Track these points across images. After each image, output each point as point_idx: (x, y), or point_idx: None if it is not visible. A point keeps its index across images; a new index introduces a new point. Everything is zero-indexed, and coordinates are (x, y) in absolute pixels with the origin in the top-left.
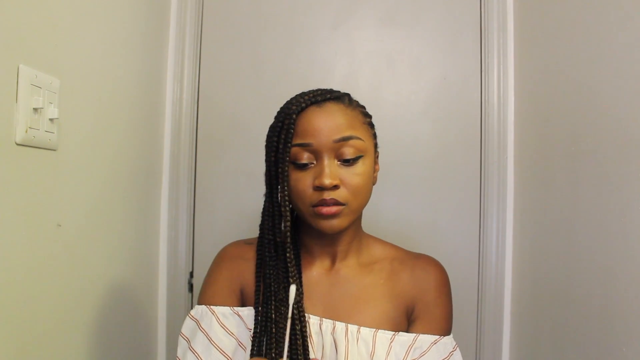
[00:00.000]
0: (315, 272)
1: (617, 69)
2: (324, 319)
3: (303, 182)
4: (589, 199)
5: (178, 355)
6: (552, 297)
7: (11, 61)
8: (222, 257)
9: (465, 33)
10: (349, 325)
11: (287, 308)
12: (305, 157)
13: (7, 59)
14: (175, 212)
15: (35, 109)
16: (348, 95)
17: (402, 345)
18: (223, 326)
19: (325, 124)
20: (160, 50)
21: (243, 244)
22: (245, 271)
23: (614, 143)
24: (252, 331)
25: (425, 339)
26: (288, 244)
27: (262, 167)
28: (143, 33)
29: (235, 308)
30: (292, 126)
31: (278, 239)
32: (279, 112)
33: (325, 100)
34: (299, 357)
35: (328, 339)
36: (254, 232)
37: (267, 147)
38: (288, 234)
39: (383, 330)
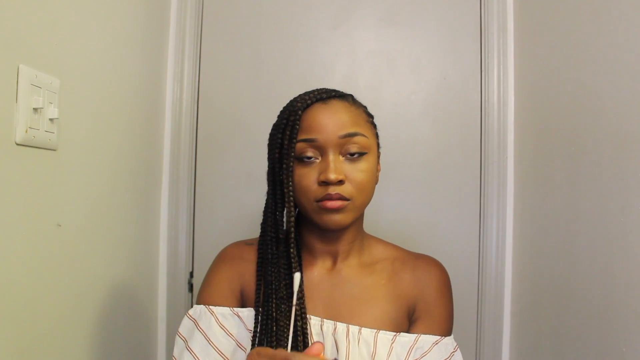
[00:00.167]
0: (316, 273)
1: (616, 69)
2: (324, 320)
3: (308, 177)
4: (589, 199)
5: (174, 354)
6: (552, 297)
7: (11, 61)
8: (222, 258)
9: (465, 33)
10: (350, 326)
11: (288, 306)
12: (310, 153)
13: (7, 59)
14: (175, 212)
15: (35, 109)
16: (351, 95)
17: (404, 346)
18: (222, 327)
19: (331, 119)
20: (160, 50)
21: (243, 244)
22: (246, 272)
23: (613, 143)
24: (252, 332)
25: (427, 339)
26: (292, 239)
27: (262, 167)
28: (143, 33)
29: (235, 309)
30: (298, 122)
31: (281, 235)
32: (282, 110)
33: (330, 97)
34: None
35: (329, 340)
36: (254, 232)
37: (270, 144)
38: (292, 229)
39: (384, 331)
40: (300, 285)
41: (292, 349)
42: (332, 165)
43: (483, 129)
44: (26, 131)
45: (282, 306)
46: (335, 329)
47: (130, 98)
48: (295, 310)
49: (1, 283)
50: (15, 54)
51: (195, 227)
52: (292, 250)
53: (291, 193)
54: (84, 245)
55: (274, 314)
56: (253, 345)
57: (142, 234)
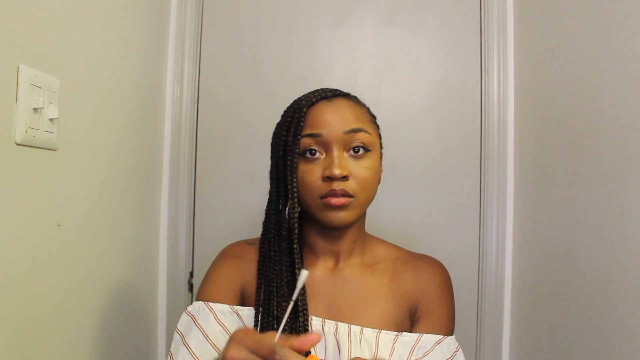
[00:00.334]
0: (318, 272)
1: (616, 69)
2: (326, 320)
3: (312, 173)
4: (589, 199)
5: (171, 350)
6: (552, 297)
7: (11, 61)
8: (223, 256)
9: (465, 33)
10: (351, 326)
11: (289, 302)
12: (314, 149)
13: (7, 59)
14: (175, 212)
15: (35, 109)
16: (355, 96)
17: (406, 346)
18: (221, 323)
19: (336, 116)
20: (160, 50)
21: (245, 244)
22: (247, 271)
23: (613, 142)
24: None
25: (429, 338)
26: (295, 235)
27: (262, 167)
28: (143, 33)
29: (234, 307)
30: (302, 119)
31: (284, 233)
32: (287, 109)
33: (335, 96)
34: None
35: (331, 340)
36: (254, 233)
37: (274, 142)
38: (295, 224)
39: (386, 331)
40: (303, 289)
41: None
42: (336, 160)
43: (483, 129)
44: (26, 131)
45: (283, 304)
46: (337, 329)
47: (130, 98)
48: (297, 307)
49: (1, 283)
50: (15, 54)
51: (195, 227)
52: (295, 246)
53: (295, 189)
54: (84, 245)
55: (275, 312)
56: None
57: (142, 234)
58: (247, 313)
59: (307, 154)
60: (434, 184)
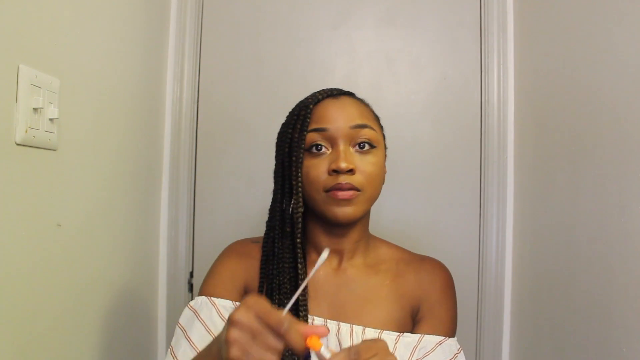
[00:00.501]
0: (322, 272)
1: (616, 69)
2: (328, 320)
3: (317, 168)
4: (589, 199)
5: (171, 344)
6: (552, 297)
7: (11, 61)
8: (227, 252)
9: (465, 33)
10: (354, 326)
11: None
12: (320, 144)
13: (7, 59)
14: (175, 212)
15: (35, 109)
16: (361, 98)
17: (407, 346)
18: (223, 318)
19: (342, 111)
20: (160, 50)
21: (250, 242)
22: (250, 269)
23: (613, 143)
24: None
25: (431, 339)
26: (298, 229)
27: (262, 167)
28: (143, 33)
29: (237, 303)
30: (309, 115)
31: (288, 229)
32: (293, 109)
33: (340, 94)
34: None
35: (333, 341)
36: (254, 232)
37: (279, 140)
38: (300, 218)
39: (388, 331)
40: (304, 294)
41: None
42: (342, 154)
43: (483, 129)
44: (26, 131)
45: (285, 301)
46: (339, 329)
47: (130, 98)
48: (298, 305)
49: (1, 283)
50: (15, 54)
51: (195, 227)
52: (298, 241)
53: (300, 183)
54: (84, 245)
55: (277, 309)
56: None
57: (142, 234)
58: None
59: (312, 149)
60: (434, 184)
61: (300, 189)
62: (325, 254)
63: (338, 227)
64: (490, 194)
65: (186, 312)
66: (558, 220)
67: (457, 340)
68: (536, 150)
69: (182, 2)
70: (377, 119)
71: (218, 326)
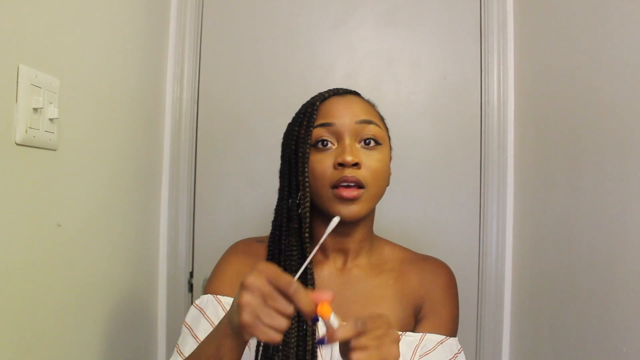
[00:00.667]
0: (326, 271)
1: (616, 69)
2: None
3: (323, 163)
4: (589, 199)
5: (178, 342)
6: (552, 297)
7: (11, 61)
8: (232, 251)
9: (465, 33)
10: None
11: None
12: (326, 139)
13: (7, 59)
14: (175, 212)
15: (35, 109)
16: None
17: (409, 346)
18: None
19: (348, 108)
20: (160, 50)
21: (254, 241)
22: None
23: (613, 142)
24: None
25: (432, 338)
26: (306, 224)
27: (262, 167)
28: (143, 33)
29: None
30: (315, 112)
31: (295, 225)
32: (300, 108)
33: (346, 93)
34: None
35: (336, 345)
36: (254, 232)
37: (285, 138)
38: (307, 213)
39: None
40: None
41: (297, 344)
42: (348, 148)
43: (483, 129)
44: (26, 131)
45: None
46: None
47: (130, 98)
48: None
49: (1, 283)
50: (15, 54)
51: (195, 227)
52: (306, 235)
53: (307, 179)
54: (84, 245)
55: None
56: (259, 342)
57: (142, 234)
58: None
59: (319, 145)
60: (434, 184)
61: (307, 184)
62: (336, 220)
63: (343, 226)
64: (490, 194)
65: (192, 311)
66: (558, 220)
67: (457, 339)
68: (536, 150)
69: (182, 2)
70: (382, 119)
71: None
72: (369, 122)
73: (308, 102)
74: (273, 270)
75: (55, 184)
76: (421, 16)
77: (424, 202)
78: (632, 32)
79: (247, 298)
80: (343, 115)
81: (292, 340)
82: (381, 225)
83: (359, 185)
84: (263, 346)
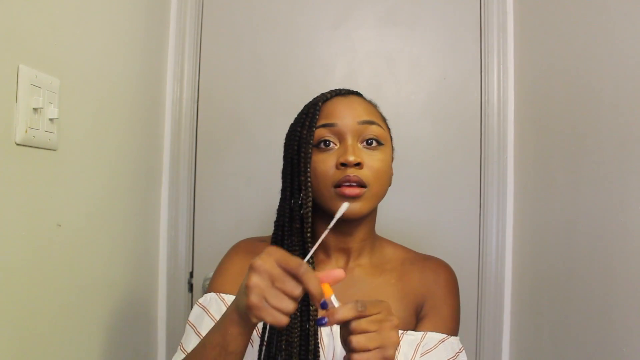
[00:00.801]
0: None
1: (617, 69)
2: None
3: (325, 163)
4: (589, 199)
5: (181, 341)
6: (552, 297)
7: (11, 61)
8: (235, 250)
9: (465, 33)
10: None
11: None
12: (329, 139)
13: (7, 59)
14: (175, 212)
15: (35, 109)
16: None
17: (411, 344)
18: None
19: (350, 108)
20: (160, 50)
21: (257, 241)
22: None
23: (613, 142)
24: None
25: (433, 336)
26: (308, 224)
27: (261, 167)
28: (143, 33)
29: None
30: (317, 113)
31: (297, 225)
32: (303, 108)
33: (348, 93)
34: (310, 330)
35: (339, 340)
36: (254, 232)
37: (288, 139)
38: (309, 213)
39: None
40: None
41: (300, 345)
42: (350, 148)
43: (483, 129)
44: (26, 131)
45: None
46: None
47: (130, 98)
48: (307, 300)
49: (1, 283)
50: (15, 54)
51: (195, 227)
52: (308, 235)
53: (309, 179)
54: (84, 245)
55: None
56: (262, 337)
57: (142, 234)
58: None
59: (321, 145)
60: (434, 184)
61: (309, 184)
62: (345, 205)
63: (345, 225)
64: (490, 194)
65: (195, 310)
66: (558, 219)
67: (458, 339)
68: (536, 150)
69: (182, 2)
70: (384, 119)
71: None
72: (371, 122)
73: (310, 102)
74: (282, 253)
75: (55, 184)
76: (421, 16)
77: (424, 202)
78: (632, 32)
79: (256, 280)
80: (345, 115)
81: (296, 340)
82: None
83: (361, 185)
84: (267, 343)
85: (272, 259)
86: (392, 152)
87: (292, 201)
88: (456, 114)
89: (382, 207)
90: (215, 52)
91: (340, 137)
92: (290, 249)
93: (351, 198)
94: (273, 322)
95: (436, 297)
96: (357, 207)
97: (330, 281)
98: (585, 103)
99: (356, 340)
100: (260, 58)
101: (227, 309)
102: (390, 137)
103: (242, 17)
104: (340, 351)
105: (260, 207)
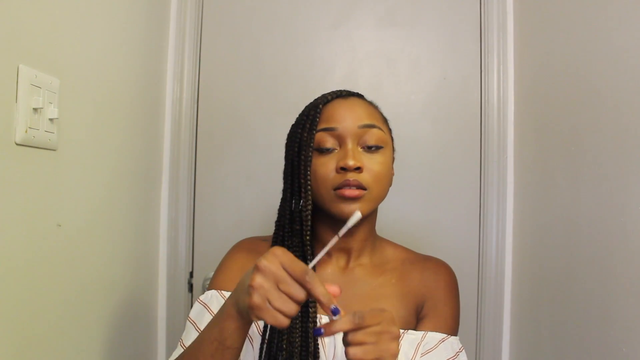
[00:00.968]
0: (330, 271)
1: (616, 69)
2: None
3: (326, 166)
4: (589, 198)
5: (182, 337)
6: (552, 297)
7: (11, 61)
8: (237, 248)
9: (465, 33)
10: None
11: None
12: (329, 142)
13: (7, 59)
14: (175, 212)
15: (35, 109)
16: (371, 100)
17: (411, 344)
18: None
19: (351, 111)
20: (160, 50)
21: (259, 240)
22: None
23: (613, 142)
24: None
25: (433, 336)
26: (307, 227)
27: (261, 167)
28: (143, 33)
29: None
30: (318, 115)
31: (297, 227)
32: (303, 110)
33: (349, 95)
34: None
35: (339, 338)
36: (254, 232)
37: (289, 140)
38: (309, 216)
39: None
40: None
41: (301, 333)
42: (350, 152)
43: (483, 129)
44: (26, 131)
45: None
46: None
47: (130, 98)
48: (307, 301)
49: (1, 283)
50: (15, 54)
51: (195, 227)
52: (307, 238)
53: (309, 181)
54: (84, 245)
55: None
56: (264, 336)
57: (142, 234)
58: None
59: (321, 148)
60: (434, 184)
61: (309, 187)
62: (357, 214)
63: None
64: (490, 194)
65: (196, 307)
66: (558, 219)
67: (458, 338)
68: (536, 150)
69: (182, 2)
70: (385, 121)
71: None
72: (371, 126)
73: (311, 104)
74: (288, 256)
75: (55, 184)
76: (421, 16)
77: (424, 202)
78: (632, 32)
79: (260, 280)
80: (346, 119)
81: (297, 340)
82: (381, 225)
83: (361, 188)
84: (267, 342)
85: (278, 260)
86: (393, 153)
87: (293, 202)
88: (456, 114)
89: (382, 208)
90: (215, 52)
91: (341, 141)
92: (291, 250)
93: (351, 199)
94: (274, 324)
95: (436, 297)
96: (356, 208)
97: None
98: (585, 103)
99: (352, 352)
100: (260, 58)
101: (224, 304)
102: (391, 137)
103: (242, 17)
104: (341, 351)
105: (260, 207)
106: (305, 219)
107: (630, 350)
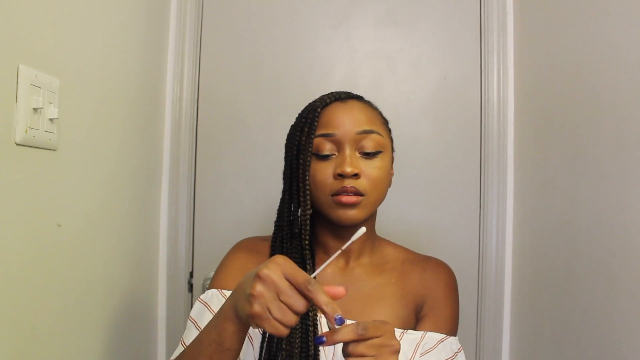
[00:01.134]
0: (329, 271)
1: (617, 68)
2: None
3: (324, 172)
4: (589, 199)
5: (182, 337)
6: (552, 297)
7: (11, 61)
8: (238, 248)
9: (465, 33)
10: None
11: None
12: (327, 148)
13: (7, 59)
14: (175, 212)
15: (35, 109)
16: (369, 101)
17: (410, 344)
18: None
19: (349, 116)
20: (160, 50)
21: (260, 239)
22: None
23: (613, 142)
24: None
25: (433, 336)
26: (307, 231)
27: (261, 167)
28: (143, 33)
29: None
30: (317, 119)
31: (296, 230)
32: (301, 112)
33: (348, 98)
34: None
35: None
36: (254, 232)
37: (288, 142)
38: (308, 221)
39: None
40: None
41: (301, 337)
42: (348, 159)
43: (483, 129)
44: (26, 131)
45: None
46: None
47: (130, 98)
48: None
49: (1, 283)
50: (15, 54)
51: (195, 227)
52: (305, 243)
53: (307, 187)
54: (84, 245)
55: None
56: (264, 336)
57: (142, 234)
58: None
59: (319, 153)
60: (434, 184)
61: (307, 192)
62: (362, 229)
63: (344, 228)
64: (490, 194)
65: (197, 306)
66: (558, 219)
67: (457, 339)
68: (536, 150)
69: (182, 2)
70: (384, 122)
71: None
72: (369, 131)
73: (310, 106)
74: (290, 265)
75: (55, 184)
76: (421, 16)
77: (424, 202)
78: (632, 32)
79: (261, 289)
80: (344, 124)
81: (297, 341)
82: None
83: (359, 194)
84: (267, 342)
85: (280, 269)
86: (392, 153)
87: (292, 204)
88: (456, 114)
89: (382, 208)
90: (215, 52)
91: (339, 147)
92: (290, 252)
93: (348, 206)
94: (273, 333)
95: (436, 298)
96: (354, 214)
97: (330, 297)
98: (585, 103)
99: None
100: (260, 58)
101: (223, 306)
102: (391, 139)
103: (242, 17)
104: (340, 351)
105: (260, 207)
106: (304, 224)
107: (630, 350)
